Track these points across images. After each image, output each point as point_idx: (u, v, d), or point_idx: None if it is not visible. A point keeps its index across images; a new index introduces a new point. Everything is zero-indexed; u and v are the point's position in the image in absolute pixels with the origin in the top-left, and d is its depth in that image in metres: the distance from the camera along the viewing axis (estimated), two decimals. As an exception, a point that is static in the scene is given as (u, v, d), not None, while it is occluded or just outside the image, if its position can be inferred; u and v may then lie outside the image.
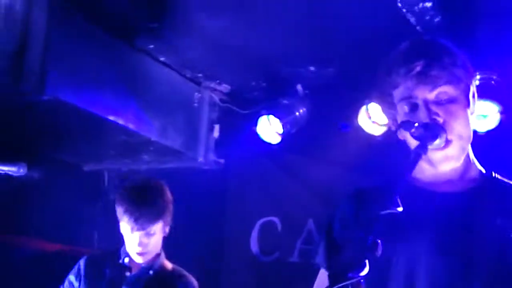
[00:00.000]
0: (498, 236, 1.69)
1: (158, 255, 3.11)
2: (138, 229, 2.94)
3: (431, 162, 1.75)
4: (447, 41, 1.82)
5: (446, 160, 1.75)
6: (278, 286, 4.39)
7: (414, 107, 1.75)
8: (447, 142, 1.71)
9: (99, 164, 4.90)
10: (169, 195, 3.11)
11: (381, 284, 1.73)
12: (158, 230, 3.02)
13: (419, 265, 1.72)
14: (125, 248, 3.05)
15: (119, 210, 2.98)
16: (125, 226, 2.96)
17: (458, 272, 1.69)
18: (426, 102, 1.73)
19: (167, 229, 3.12)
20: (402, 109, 1.78)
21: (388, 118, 1.90)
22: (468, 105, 1.78)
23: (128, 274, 3.04)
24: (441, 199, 1.78)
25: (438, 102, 1.73)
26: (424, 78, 1.72)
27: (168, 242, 4.64)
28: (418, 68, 1.72)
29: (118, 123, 3.84)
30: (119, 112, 3.84)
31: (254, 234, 4.64)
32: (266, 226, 4.62)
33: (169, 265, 3.16)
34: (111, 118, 3.77)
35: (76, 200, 4.60)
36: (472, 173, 1.83)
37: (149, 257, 3.04)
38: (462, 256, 1.69)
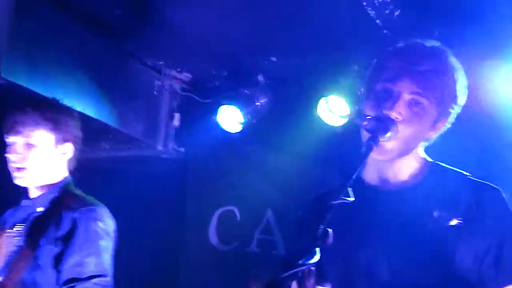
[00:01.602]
0: (435, 229, 1.75)
1: (54, 186, 2.58)
2: (14, 134, 2.48)
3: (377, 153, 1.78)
4: (460, 64, 1.85)
5: (384, 152, 1.78)
6: (236, 275, 4.41)
7: (388, 93, 1.78)
8: (391, 139, 1.74)
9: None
10: (64, 108, 2.65)
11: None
12: (45, 143, 2.53)
13: (360, 265, 1.79)
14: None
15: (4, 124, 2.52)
16: (7, 141, 2.51)
17: (401, 270, 1.75)
18: (399, 97, 1.76)
19: (67, 154, 2.62)
20: (380, 88, 1.79)
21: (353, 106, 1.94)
22: (431, 125, 1.82)
23: (18, 215, 2.57)
24: (386, 197, 1.85)
25: (409, 105, 1.77)
26: (417, 78, 1.76)
27: (126, 230, 4.63)
28: (419, 67, 1.76)
29: (75, 109, 3.77)
30: (77, 98, 3.78)
31: (213, 223, 4.64)
32: (225, 215, 4.62)
33: (70, 193, 2.61)
34: (68, 103, 3.71)
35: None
36: (417, 167, 1.88)
37: (34, 179, 2.52)
38: (404, 253, 1.75)
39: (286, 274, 1.27)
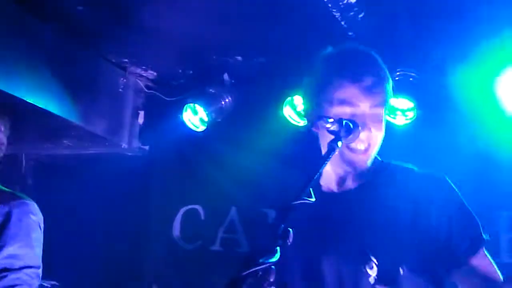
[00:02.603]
0: (408, 221, 1.84)
1: None
2: None
3: (347, 163, 1.90)
4: (378, 55, 1.98)
5: (361, 164, 1.92)
6: (200, 274, 4.41)
7: (351, 112, 1.87)
8: (365, 150, 1.88)
9: (16, 147, 4.73)
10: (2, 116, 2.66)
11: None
12: None
13: (323, 266, 1.85)
14: None
15: None
16: None
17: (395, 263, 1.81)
18: (364, 116, 1.87)
19: None
20: (339, 109, 1.88)
21: (308, 112, 1.99)
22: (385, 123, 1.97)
23: None
24: (341, 198, 1.94)
25: (372, 119, 1.89)
26: (369, 94, 1.89)
27: (90, 228, 4.59)
28: (367, 83, 1.88)
29: (37, 106, 3.72)
30: (39, 94, 3.72)
31: (177, 221, 4.63)
32: (189, 213, 4.61)
33: (2, 192, 2.62)
34: (30, 100, 3.65)
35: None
36: (374, 167, 1.97)
37: None
38: (391, 249, 1.81)
39: (246, 272, 1.28)
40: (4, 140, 2.76)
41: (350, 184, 1.96)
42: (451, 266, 1.87)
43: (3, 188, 2.70)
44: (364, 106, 1.87)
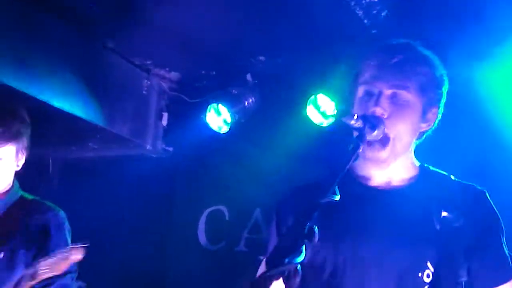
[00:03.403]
0: (446, 229, 1.77)
1: (8, 191, 2.73)
2: None
3: (367, 160, 1.82)
4: (432, 53, 1.89)
5: (378, 161, 1.82)
6: (224, 274, 4.41)
7: (369, 95, 1.81)
8: (385, 140, 1.77)
9: (43, 150, 4.79)
10: (28, 123, 2.76)
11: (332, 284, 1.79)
12: (8, 156, 2.65)
13: (367, 265, 1.78)
14: None
15: None
16: None
17: (408, 267, 1.75)
18: (380, 94, 1.78)
19: (20, 162, 2.74)
20: (360, 93, 1.84)
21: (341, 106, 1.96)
22: (422, 116, 1.84)
23: None
24: (384, 196, 1.85)
25: (391, 100, 1.79)
26: (389, 72, 1.79)
27: (114, 230, 4.62)
28: (389, 62, 1.79)
29: (63, 110, 3.76)
30: (65, 98, 3.76)
31: (202, 222, 4.64)
32: (213, 214, 4.62)
33: (26, 198, 2.78)
34: (55, 104, 3.69)
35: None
36: (411, 169, 1.91)
37: None
38: (411, 251, 1.76)
39: (272, 272, 1.26)
40: (29, 144, 2.84)
41: (390, 181, 1.88)
42: (483, 285, 1.80)
43: (30, 196, 2.81)
44: (381, 84, 1.78)
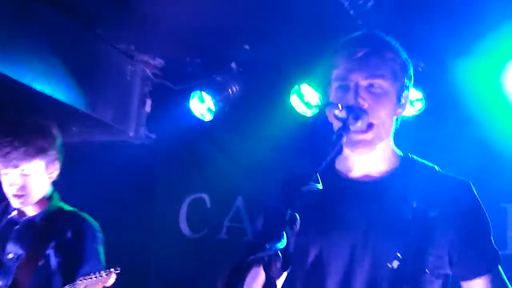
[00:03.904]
0: (417, 218, 1.78)
1: (47, 200, 2.86)
2: (9, 166, 2.70)
3: (351, 145, 1.83)
4: (392, 39, 1.93)
5: (364, 144, 1.83)
6: (206, 262, 4.42)
7: (345, 89, 1.83)
8: (369, 126, 1.80)
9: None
10: (53, 136, 2.85)
11: (316, 274, 1.82)
12: (37, 171, 2.76)
13: (343, 256, 1.81)
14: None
15: None
16: None
17: (379, 257, 1.78)
18: (357, 87, 1.81)
19: (54, 173, 2.86)
20: (335, 88, 1.86)
21: (322, 98, 1.97)
22: (398, 102, 1.88)
23: (15, 228, 2.81)
24: (363, 188, 1.88)
25: (368, 90, 1.82)
26: (362, 64, 1.82)
27: (95, 217, 4.59)
28: (359, 54, 1.82)
29: (44, 93, 3.72)
30: (47, 82, 3.72)
31: (183, 210, 4.64)
32: (195, 202, 4.62)
33: (66, 208, 2.92)
34: (37, 87, 3.65)
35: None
36: (392, 159, 1.93)
37: (29, 201, 2.79)
38: (386, 242, 1.78)
39: (252, 257, 1.27)
40: (61, 153, 3.00)
41: (370, 172, 1.90)
42: (464, 277, 1.84)
43: (68, 207, 2.95)
44: (356, 77, 1.80)
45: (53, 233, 2.78)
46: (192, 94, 4.29)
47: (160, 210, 4.72)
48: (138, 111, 4.62)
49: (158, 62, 4.58)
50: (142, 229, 4.65)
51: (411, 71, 1.94)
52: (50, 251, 2.77)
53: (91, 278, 2.64)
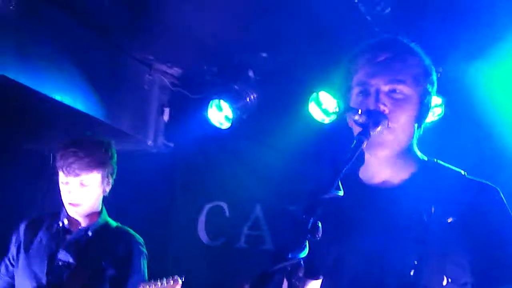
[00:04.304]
0: (435, 224, 1.75)
1: (98, 213, 3.00)
2: (70, 175, 2.82)
3: (371, 148, 1.80)
4: (415, 44, 1.90)
5: (383, 146, 1.81)
6: (224, 270, 4.41)
7: (366, 94, 1.81)
8: (389, 130, 1.77)
9: (44, 145, 4.79)
10: (112, 151, 2.99)
11: (332, 281, 1.80)
12: (95, 182, 2.90)
13: (364, 262, 1.78)
14: (65, 209, 2.94)
15: (57, 159, 2.87)
16: (60, 174, 2.86)
17: (395, 263, 1.75)
18: (378, 92, 1.79)
19: (107, 187, 3.00)
20: (356, 93, 1.84)
21: (340, 105, 1.96)
22: (419, 107, 1.85)
23: (68, 237, 2.92)
24: (382, 194, 1.85)
25: (390, 95, 1.79)
26: (384, 69, 1.80)
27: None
28: (380, 58, 1.81)
29: (64, 103, 3.75)
30: (66, 91, 3.76)
31: (202, 218, 4.64)
32: (213, 210, 4.62)
33: (113, 224, 3.06)
34: (58, 97, 3.69)
35: (17, 180, 4.48)
36: (413, 165, 1.89)
37: (84, 211, 2.92)
38: (402, 249, 1.75)
39: (275, 267, 1.26)
40: (115, 171, 3.10)
41: (391, 179, 1.87)
42: (490, 285, 1.77)
43: (114, 222, 3.08)
44: (377, 82, 1.79)
45: (105, 247, 2.93)
46: (210, 102, 4.30)
47: (179, 218, 4.72)
48: (156, 120, 4.64)
49: (176, 71, 4.60)
50: (160, 237, 4.65)
51: (434, 77, 1.91)
52: (103, 264, 2.89)
53: (155, 285, 2.76)
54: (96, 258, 2.89)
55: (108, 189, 3.01)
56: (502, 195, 1.84)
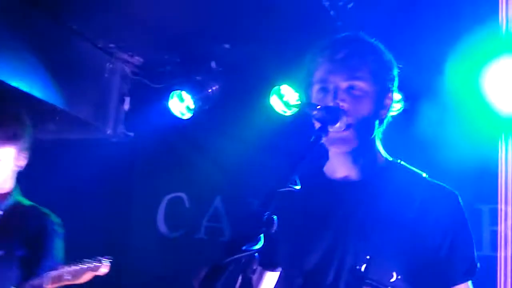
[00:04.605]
0: (393, 222, 1.78)
1: (10, 191, 2.82)
2: None
3: (330, 143, 1.82)
4: (376, 40, 1.92)
5: (342, 142, 1.82)
6: (183, 262, 4.39)
7: (326, 91, 1.83)
8: (348, 126, 1.79)
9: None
10: (27, 124, 2.82)
11: (288, 274, 1.82)
12: (7, 157, 2.73)
13: (321, 255, 1.80)
14: None
15: None
16: None
17: (349, 259, 1.77)
18: (336, 88, 1.81)
19: (21, 162, 2.81)
20: (316, 90, 1.85)
21: (301, 98, 1.96)
22: (380, 103, 1.86)
23: None
24: (343, 189, 1.87)
25: (348, 92, 1.81)
26: (342, 66, 1.81)
27: (72, 215, 4.54)
28: (339, 55, 1.82)
29: (21, 89, 3.67)
30: (23, 78, 3.68)
31: (161, 209, 4.61)
32: (173, 201, 4.60)
33: (26, 203, 2.89)
34: (14, 83, 3.61)
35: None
36: (375, 162, 1.92)
37: None
38: (356, 245, 1.77)
39: (228, 259, 1.26)
40: (32, 138, 2.95)
41: (352, 174, 1.89)
42: (439, 285, 1.81)
43: (27, 202, 2.90)
44: (335, 79, 1.80)
45: (16, 226, 2.75)
46: (171, 93, 4.27)
47: (138, 208, 4.68)
48: (116, 109, 4.59)
49: (137, 60, 4.55)
50: (119, 227, 4.61)
51: (395, 72, 1.93)
52: (13, 244, 2.73)
53: (80, 266, 2.64)
54: (6, 238, 2.72)
55: (23, 164, 2.82)
56: (460, 200, 1.87)
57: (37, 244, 2.76)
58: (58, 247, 2.85)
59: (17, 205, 2.83)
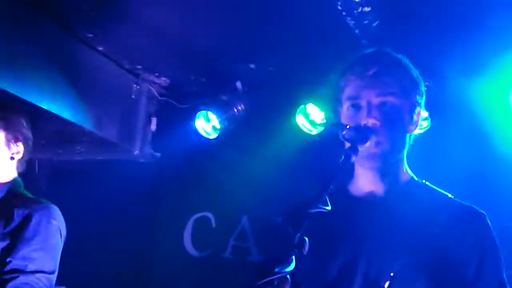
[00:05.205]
0: (419, 240, 1.77)
1: (5, 183, 2.66)
2: None
3: (361, 160, 1.82)
4: (403, 56, 1.94)
5: (373, 158, 1.82)
6: (210, 282, 4.39)
7: (357, 108, 1.82)
8: (378, 144, 1.78)
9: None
10: (14, 110, 2.72)
11: None
12: None
13: (345, 271, 1.79)
14: None
15: None
16: None
17: (383, 276, 1.75)
18: (370, 105, 1.81)
19: (15, 153, 2.69)
20: (347, 107, 1.86)
21: (333, 117, 1.96)
22: (410, 119, 1.88)
23: None
24: (368, 206, 1.87)
25: (380, 108, 1.81)
26: (374, 82, 1.82)
27: (100, 235, 4.58)
28: (370, 72, 1.83)
29: (51, 111, 3.73)
30: (53, 100, 3.74)
31: (188, 229, 4.62)
32: (200, 221, 4.60)
33: (23, 197, 2.67)
34: (43, 106, 3.67)
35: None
36: (402, 179, 1.91)
37: None
38: (379, 262, 1.76)
39: (261, 281, 1.26)
40: (30, 135, 2.79)
41: (378, 190, 1.88)
42: None
43: (28, 194, 2.73)
44: (367, 96, 1.80)
45: (5, 215, 2.53)
46: (197, 113, 4.30)
47: (165, 229, 4.70)
48: (143, 130, 4.63)
49: (164, 80, 4.59)
50: (146, 247, 4.63)
51: (423, 88, 1.93)
52: None
53: None
54: None
55: (18, 156, 2.68)
56: (488, 220, 1.85)
57: (17, 232, 2.48)
58: (41, 233, 2.52)
59: (11, 198, 2.62)
